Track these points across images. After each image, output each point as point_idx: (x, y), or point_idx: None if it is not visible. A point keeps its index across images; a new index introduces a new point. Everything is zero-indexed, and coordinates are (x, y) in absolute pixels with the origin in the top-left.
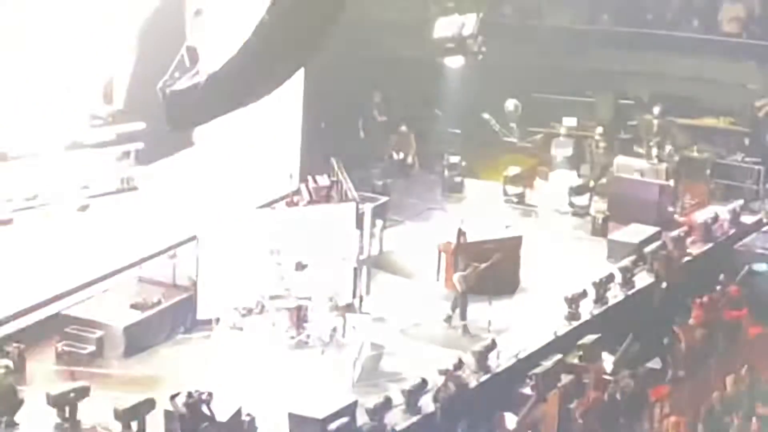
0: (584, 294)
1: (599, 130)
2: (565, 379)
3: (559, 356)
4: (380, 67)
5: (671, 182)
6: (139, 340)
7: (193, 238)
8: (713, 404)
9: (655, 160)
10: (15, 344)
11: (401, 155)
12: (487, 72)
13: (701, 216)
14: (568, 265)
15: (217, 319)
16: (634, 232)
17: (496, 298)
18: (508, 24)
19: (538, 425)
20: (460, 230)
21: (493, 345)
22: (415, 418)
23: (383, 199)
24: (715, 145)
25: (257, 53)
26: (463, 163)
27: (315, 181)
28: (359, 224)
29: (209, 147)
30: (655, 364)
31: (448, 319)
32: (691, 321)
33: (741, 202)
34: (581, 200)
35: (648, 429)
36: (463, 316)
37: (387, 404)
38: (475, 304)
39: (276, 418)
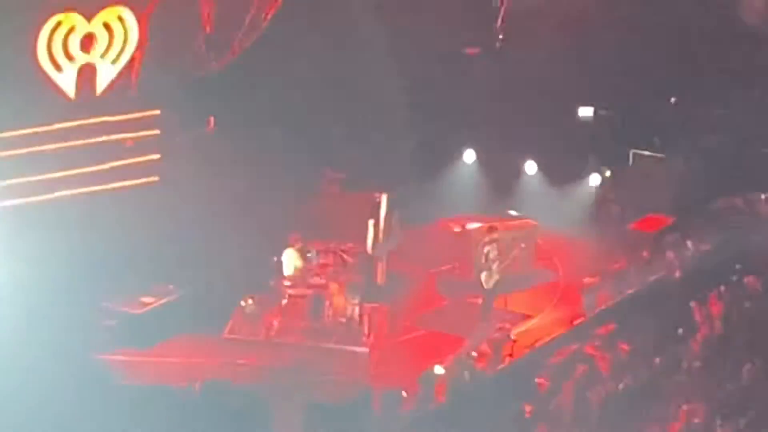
0: (600, 283)
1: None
2: (581, 368)
3: (575, 346)
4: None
5: (687, 172)
6: (156, 327)
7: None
8: (728, 394)
9: (672, 150)
10: None
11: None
12: (507, 63)
13: (718, 206)
14: (584, 254)
15: (234, 308)
16: (650, 223)
17: (512, 286)
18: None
19: (554, 415)
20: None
21: (509, 334)
22: (430, 408)
23: (400, 188)
24: (733, 135)
25: (276, 41)
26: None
27: (331, 171)
28: (376, 214)
29: (227, 134)
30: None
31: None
32: (710, 309)
33: (762, 195)
34: (597, 189)
35: (664, 419)
36: (487, 307)
37: (402, 393)
38: None
39: (292, 406)
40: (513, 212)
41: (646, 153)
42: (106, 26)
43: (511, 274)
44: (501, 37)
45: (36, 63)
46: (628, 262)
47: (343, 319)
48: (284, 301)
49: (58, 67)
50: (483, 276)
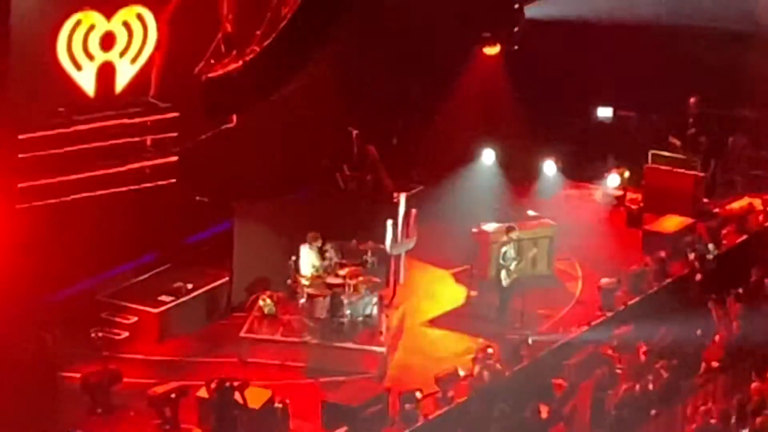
0: (619, 284)
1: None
2: (599, 369)
3: (593, 346)
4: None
5: (706, 173)
6: (173, 326)
7: (230, 222)
8: (749, 396)
9: (690, 151)
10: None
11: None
12: (526, 63)
13: (736, 207)
14: (602, 255)
15: (252, 305)
16: (669, 224)
17: (530, 287)
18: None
19: (571, 415)
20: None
21: (527, 335)
22: (448, 407)
23: (418, 187)
24: (751, 136)
25: (294, 39)
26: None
27: (349, 170)
28: (394, 213)
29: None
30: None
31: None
32: (729, 310)
33: None
34: (616, 190)
35: (681, 419)
36: (504, 307)
37: (419, 393)
38: None
39: (309, 405)
40: (532, 212)
41: (665, 153)
42: (126, 25)
43: (529, 273)
44: (520, 37)
45: (56, 61)
46: (647, 263)
47: (361, 319)
48: (302, 300)
49: (77, 66)
50: (501, 275)
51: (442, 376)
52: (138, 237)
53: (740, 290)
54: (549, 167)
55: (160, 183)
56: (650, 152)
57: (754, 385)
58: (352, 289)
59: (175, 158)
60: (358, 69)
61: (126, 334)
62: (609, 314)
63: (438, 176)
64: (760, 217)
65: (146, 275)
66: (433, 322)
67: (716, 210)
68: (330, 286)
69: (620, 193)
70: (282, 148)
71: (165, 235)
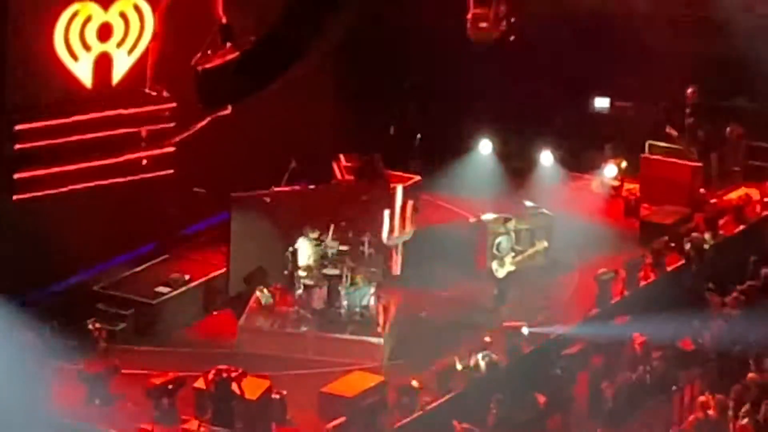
0: (616, 274)
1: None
2: (596, 359)
3: (590, 337)
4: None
5: (703, 163)
6: (170, 317)
7: (228, 213)
8: (746, 386)
9: (687, 141)
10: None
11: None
12: (523, 53)
13: (733, 197)
14: (599, 245)
15: (249, 296)
16: (666, 214)
17: (527, 277)
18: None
19: (568, 406)
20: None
21: (524, 325)
22: (445, 398)
23: (415, 178)
24: (748, 126)
25: (291, 30)
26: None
27: (346, 160)
28: (391, 203)
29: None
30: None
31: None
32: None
33: None
34: (613, 181)
35: (677, 409)
36: (501, 298)
37: (417, 383)
38: None
39: (306, 396)
40: (529, 203)
41: (662, 144)
42: (122, 16)
43: (526, 264)
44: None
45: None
46: (644, 254)
47: (358, 310)
48: (299, 291)
49: (74, 57)
50: (494, 266)
51: (440, 367)
52: (135, 228)
53: (737, 280)
54: (546, 157)
55: (157, 174)
56: (647, 142)
57: (751, 375)
58: (349, 280)
59: (172, 149)
60: (354, 59)
61: (123, 325)
62: (606, 304)
63: (435, 166)
64: (757, 207)
65: (143, 266)
66: (431, 313)
67: (713, 200)
68: (327, 277)
69: (617, 183)
70: (279, 138)
71: (162, 226)
